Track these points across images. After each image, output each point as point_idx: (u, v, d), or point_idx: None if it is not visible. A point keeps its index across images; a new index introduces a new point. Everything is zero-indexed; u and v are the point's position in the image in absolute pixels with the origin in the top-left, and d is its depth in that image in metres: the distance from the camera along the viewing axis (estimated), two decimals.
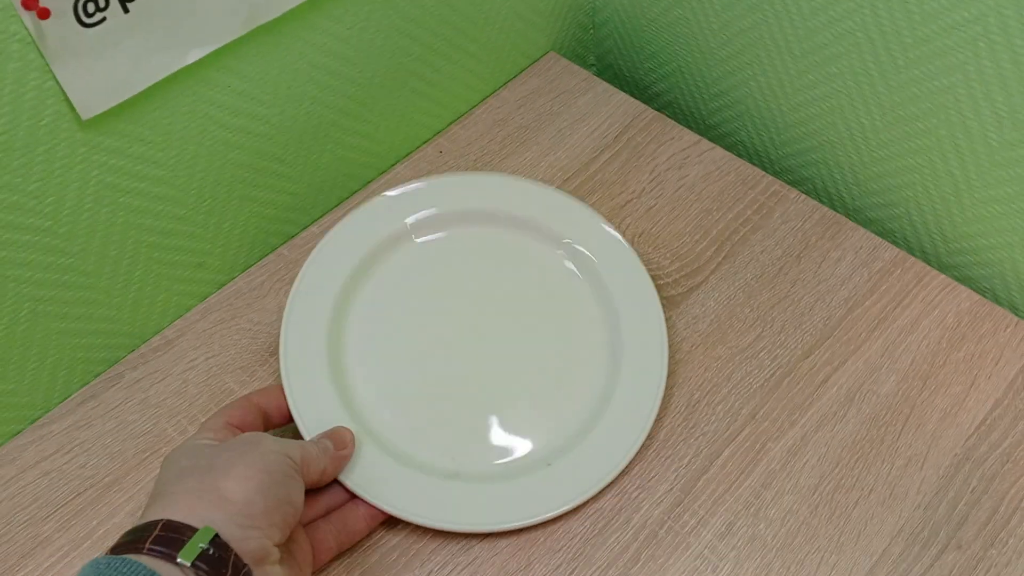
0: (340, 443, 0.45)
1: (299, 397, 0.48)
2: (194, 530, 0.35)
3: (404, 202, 0.56)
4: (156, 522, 0.35)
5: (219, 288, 0.57)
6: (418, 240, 0.55)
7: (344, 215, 0.55)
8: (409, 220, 0.55)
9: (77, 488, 0.49)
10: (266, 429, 0.47)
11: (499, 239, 0.56)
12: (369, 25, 0.54)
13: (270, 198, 0.56)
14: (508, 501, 0.46)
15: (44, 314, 0.48)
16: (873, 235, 0.56)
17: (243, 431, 0.44)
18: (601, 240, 0.54)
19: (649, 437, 0.49)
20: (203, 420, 0.45)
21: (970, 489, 0.47)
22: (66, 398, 0.52)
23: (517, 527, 0.45)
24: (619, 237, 0.54)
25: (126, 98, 0.45)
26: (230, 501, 0.36)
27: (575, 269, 0.55)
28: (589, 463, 0.47)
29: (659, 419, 0.49)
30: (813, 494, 0.47)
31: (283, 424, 0.48)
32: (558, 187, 0.60)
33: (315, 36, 0.52)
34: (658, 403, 0.49)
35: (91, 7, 0.41)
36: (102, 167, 0.46)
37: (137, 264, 0.51)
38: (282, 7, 0.49)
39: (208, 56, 0.47)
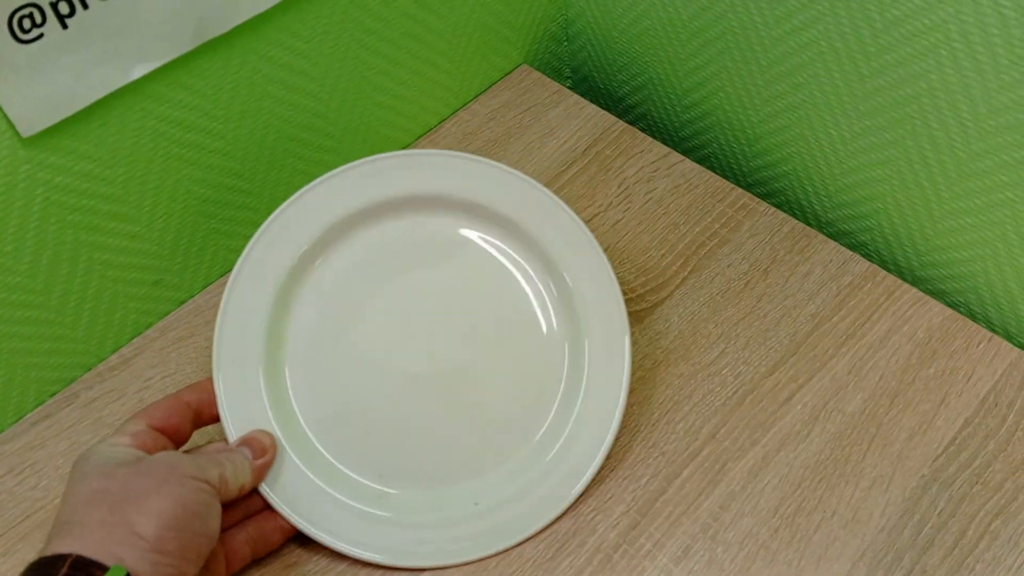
0: (259, 450, 0.44)
1: (229, 396, 0.46)
2: (104, 568, 0.33)
3: (355, 183, 0.50)
4: (64, 557, 0.34)
5: (179, 305, 0.56)
6: (369, 229, 0.50)
7: (289, 203, 0.50)
8: (360, 204, 0.50)
9: (26, 510, 0.48)
10: (195, 427, 0.45)
11: (455, 231, 0.51)
12: (328, 38, 0.54)
13: (229, 214, 0.56)
14: (439, 531, 0.45)
15: None
16: (843, 248, 0.55)
17: (166, 434, 0.42)
18: (575, 248, 0.50)
19: (608, 456, 0.48)
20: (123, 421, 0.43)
21: (937, 512, 0.45)
22: (19, 418, 0.51)
23: (447, 564, 0.44)
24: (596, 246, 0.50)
25: (69, 114, 0.44)
26: (142, 537, 0.35)
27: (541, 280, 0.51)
28: (533, 507, 0.46)
29: (617, 438, 0.48)
30: (773, 516, 0.45)
31: (212, 423, 0.46)
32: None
33: (271, 49, 0.51)
34: (613, 437, 0.47)
35: (27, 23, 0.40)
36: (47, 185, 0.46)
37: (90, 282, 0.51)
38: (232, 20, 0.48)
39: (155, 71, 0.47)
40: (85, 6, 0.42)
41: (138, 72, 0.46)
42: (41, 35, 0.41)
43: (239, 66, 0.50)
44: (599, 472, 0.47)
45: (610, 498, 0.47)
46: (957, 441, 0.47)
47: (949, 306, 0.52)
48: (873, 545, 0.44)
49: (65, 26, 0.42)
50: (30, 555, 0.46)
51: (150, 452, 0.41)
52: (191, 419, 0.45)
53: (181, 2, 0.45)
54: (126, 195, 0.50)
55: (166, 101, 0.48)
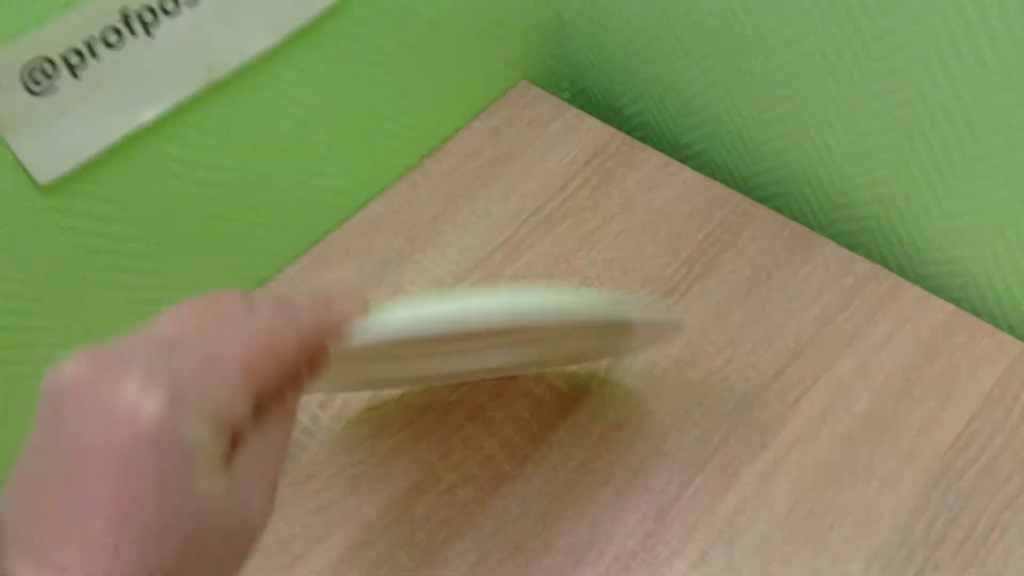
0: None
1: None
2: None
3: None
4: None
5: None
6: None
7: None
8: None
9: None
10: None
11: None
12: (332, 73, 0.55)
13: (242, 245, 0.57)
14: None
15: (21, 376, 0.50)
16: (844, 249, 0.56)
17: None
18: None
19: (621, 466, 0.49)
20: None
21: (947, 507, 0.46)
22: None
23: None
24: None
25: (83, 161, 0.46)
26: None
27: None
28: None
29: (631, 447, 0.49)
30: (787, 519, 0.46)
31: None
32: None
33: (278, 86, 0.53)
34: None
35: (39, 76, 0.42)
36: (67, 230, 0.47)
37: (112, 322, 0.52)
38: (239, 60, 0.50)
39: (167, 114, 0.48)
40: (94, 54, 0.44)
41: (148, 116, 0.47)
42: (54, 87, 0.43)
43: (247, 104, 0.52)
44: (611, 480, 0.48)
45: (626, 507, 0.48)
46: (964, 436, 0.48)
47: (952, 302, 0.53)
48: (887, 543, 0.45)
49: (77, 76, 0.43)
50: None
51: None
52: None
53: (189, 46, 0.47)
54: (144, 234, 0.51)
55: (177, 141, 0.50)
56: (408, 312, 0.33)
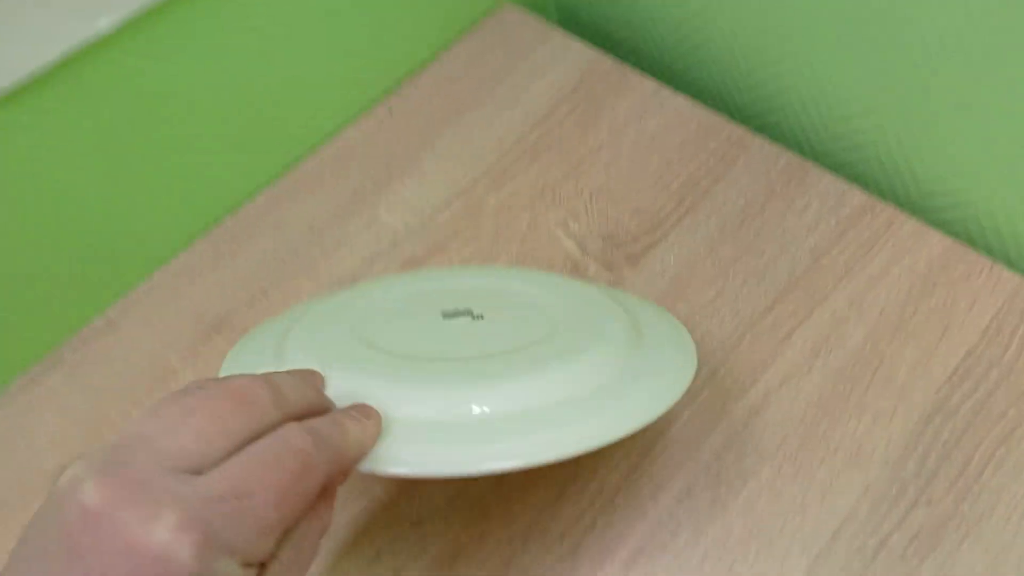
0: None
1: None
2: None
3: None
4: None
5: (163, 263, 0.55)
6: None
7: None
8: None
9: (23, 480, 0.47)
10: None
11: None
12: None
13: (209, 169, 0.54)
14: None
15: None
16: (841, 180, 0.54)
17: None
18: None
19: None
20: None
21: (941, 443, 0.45)
22: (3, 385, 0.51)
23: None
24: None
25: (37, 71, 0.42)
26: None
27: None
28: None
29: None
30: (776, 454, 0.45)
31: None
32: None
33: (240, 5, 0.49)
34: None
35: None
36: (20, 146, 0.44)
37: (68, 245, 0.49)
38: None
39: (123, 24, 0.45)
40: None
41: (104, 24, 0.44)
42: None
43: (212, 21, 0.48)
44: None
45: None
46: (960, 372, 0.47)
47: (949, 235, 0.51)
48: (878, 478, 0.44)
49: None
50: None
51: None
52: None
53: None
54: (100, 153, 0.48)
55: (136, 53, 0.46)
56: (421, 457, 0.33)
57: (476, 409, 0.35)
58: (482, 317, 0.42)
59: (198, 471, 0.26)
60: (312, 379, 0.34)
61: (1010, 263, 0.53)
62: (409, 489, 0.45)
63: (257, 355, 0.40)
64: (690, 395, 0.47)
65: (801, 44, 0.54)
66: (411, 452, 0.33)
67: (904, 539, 0.42)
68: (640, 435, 0.46)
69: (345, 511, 0.45)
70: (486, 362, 0.38)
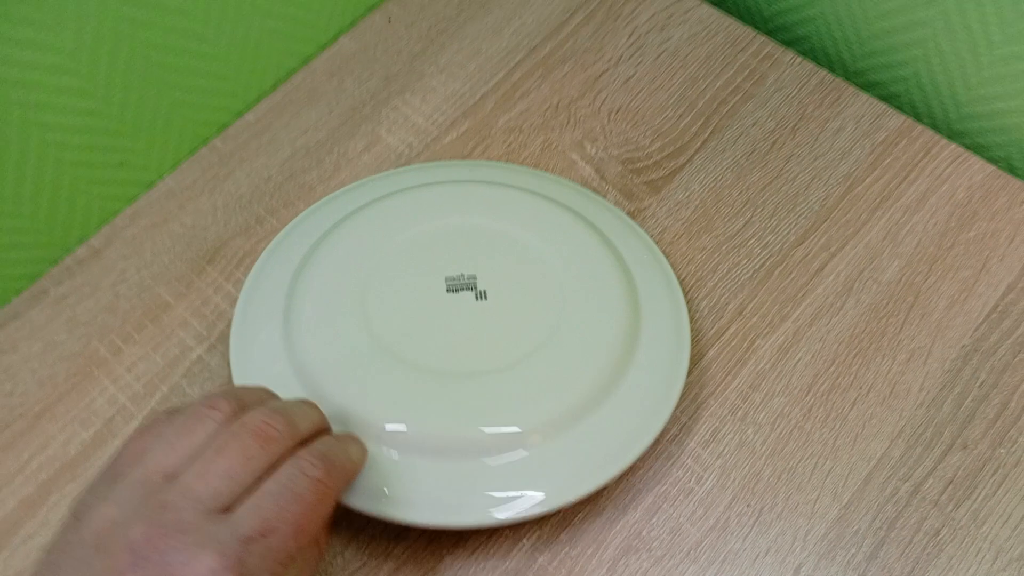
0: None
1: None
2: None
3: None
4: None
5: (148, 188, 0.51)
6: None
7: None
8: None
9: (5, 420, 0.44)
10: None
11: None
12: None
13: (195, 83, 0.49)
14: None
15: None
16: (877, 101, 0.50)
17: None
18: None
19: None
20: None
21: (978, 383, 0.43)
22: None
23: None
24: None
25: None
26: None
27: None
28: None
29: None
30: (806, 395, 0.43)
31: None
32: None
33: None
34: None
35: None
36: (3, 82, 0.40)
37: (45, 167, 0.45)
38: None
39: None
40: None
41: None
42: None
43: None
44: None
45: None
46: (999, 308, 0.44)
47: (990, 162, 0.48)
48: (912, 420, 0.42)
49: None
50: (15, 465, 0.43)
51: None
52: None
53: None
54: (76, 66, 0.43)
55: None
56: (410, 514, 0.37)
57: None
58: (485, 296, 0.41)
59: (228, 508, 0.30)
60: (315, 405, 0.36)
61: None
62: None
63: (265, 330, 0.42)
64: (716, 333, 0.45)
65: None
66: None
67: (939, 484, 0.40)
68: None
69: None
70: (477, 393, 0.39)
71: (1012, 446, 0.41)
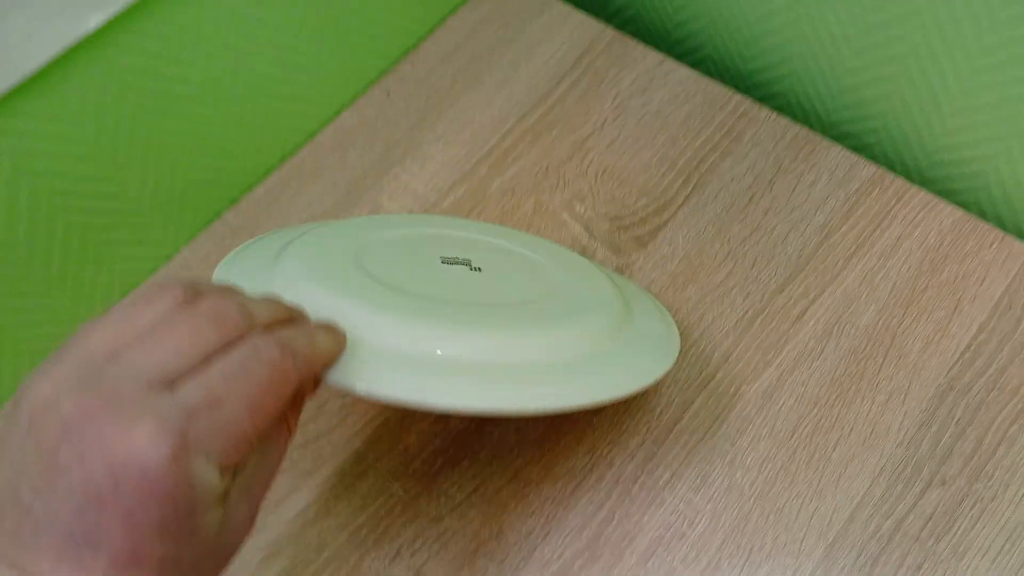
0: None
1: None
2: None
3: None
4: None
5: (167, 261, 0.54)
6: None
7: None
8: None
9: None
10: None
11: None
12: None
13: (207, 162, 0.53)
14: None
15: None
16: (850, 152, 0.53)
17: None
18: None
19: None
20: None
21: (955, 421, 0.45)
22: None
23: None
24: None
25: (27, 74, 0.41)
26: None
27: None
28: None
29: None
30: (791, 438, 0.45)
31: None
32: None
33: None
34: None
35: None
36: (14, 152, 0.43)
37: (71, 247, 0.49)
38: None
39: (114, 20, 0.43)
40: None
41: (95, 22, 0.42)
42: None
43: (202, 5, 0.47)
44: (613, 404, 0.46)
45: (625, 431, 0.46)
46: (972, 348, 0.47)
47: (961, 206, 0.51)
48: (892, 459, 0.44)
49: None
50: None
51: None
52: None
53: None
54: (98, 154, 0.47)
55: (128, 50, 0.45)
56: (390, 386, 0.34)
57: (441, 351, 0.36)
58: (480, 270, 0.43)
59: (171, 385, 0.27)
60: (279, 298, 0.34)
61: (1020, 234, 0.52)
62: (428, 485, 0.45)
63: (254, 260, 0.40)
64: (703, 380, 0.47)
65: (806, 10, 0.52)
66: (373, 373, 0.34)
67: (920, 520, 0.42)
68: (656, 422, 0.46)
69: (364, 511, 0.45)
70: (470, 309, 0.39)
71: (989, 481, 0.43)
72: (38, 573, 0.25)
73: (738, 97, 0.56)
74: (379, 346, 0.35)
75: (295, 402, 0.32)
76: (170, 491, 0.25)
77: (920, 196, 0.51)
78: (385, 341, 0.35)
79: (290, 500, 0.45)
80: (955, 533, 0.42)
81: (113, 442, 0.25)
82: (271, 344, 0.29)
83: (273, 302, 0.32)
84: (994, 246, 0.49)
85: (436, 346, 0.36)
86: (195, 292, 0.30)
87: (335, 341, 0.33)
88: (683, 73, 0.57)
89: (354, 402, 0.48)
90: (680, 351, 0.44)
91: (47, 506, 0.25)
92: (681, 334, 0.48)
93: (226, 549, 0.29)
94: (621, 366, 0.40)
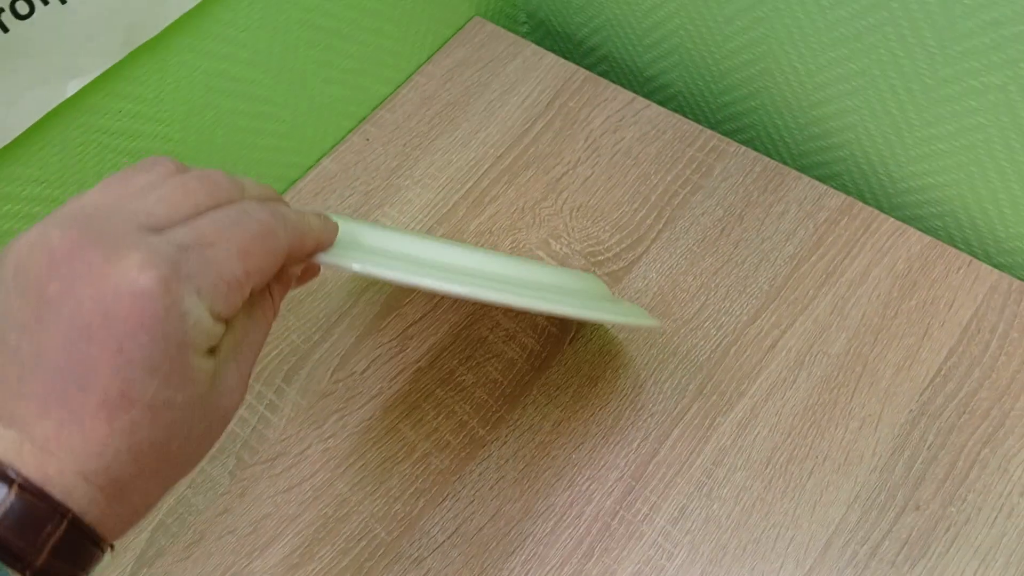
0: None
1: None
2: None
3: None
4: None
5: None
6: None
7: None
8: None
9: None
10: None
11: None
12: (265, 23, 0.52)
13: None
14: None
15: None
16: (817, 183, 0.54)
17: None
18: None
19: (597, 423, 0.48)
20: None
21: (927, 445, 0.45)
22: None
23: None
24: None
25: (6, 143, 0.43)
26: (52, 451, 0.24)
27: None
28: None
29: (606, 403, 0.48)
30: (766, 467, 0.46)
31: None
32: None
33: (206, 44, 0.49)
34: None
35: None
36: (3, 216, 0.45)
37: None
38: (162, 22, 0.46)
39: (90, 84, 0.45)
40: (5, 30, 0.40)
41: (72, 88, 0.44)
42: None
43: (177, 66, 0.48)
44: (588, 439, 0.47)
45: (603, 465, 0.47)
46: (943, 372, 0.47)
47: (927, 232, 0.52)
48: (866, 485, 0.45)
49: None
50: None
51: None
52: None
53: (107, 11, 0.43)
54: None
55: (106, 113, 0.47)
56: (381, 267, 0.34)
57: (442, 259, 0.37)
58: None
59: (162, 231, 0.26)
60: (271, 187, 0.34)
61: (988, 257, 0.53)
62: (410, 527, 0.46)
63: None
64: (678, 413, 0.48)
65: (771, 47, 0.54)
66: (367, 258, 0.34)
67: (895, 546, 0.43)
68: (634, 455, 0.47)
69: (346, 554, 0.45)
70: (473, 248, 0.40)
71: (962, 504, 0.44)
72: (24, 420, 0.24)
73: (707, 132, 0.57)
74: (376, 243, 0.35)
75: (281, 277, 0.32)
76: (161, 321, 0.24)
77: (888, 223, 0.52)
78: (389, 244, 0.36)
79: (275, 545, 0.46)
80: (930, 557, 0.42)
81: (103, 271, 0.24)
82: (262, 207, 0.29)
83: (267, 187, 0.32)
84: (962, 271, 0.50)
85: (440, 255, 0.37)
86: (187, 167, 0.30)
87: (326, 226, 0.33)
88: (653, 111, 0.59)
89: (336, 446, 0.49)
90: (656, 379, 0.45)
91: (35, 344, 0.24)
92: (657, 367, 0.49)
93: (217, 412, 0.28)
94: (615, 304, 0.43)
